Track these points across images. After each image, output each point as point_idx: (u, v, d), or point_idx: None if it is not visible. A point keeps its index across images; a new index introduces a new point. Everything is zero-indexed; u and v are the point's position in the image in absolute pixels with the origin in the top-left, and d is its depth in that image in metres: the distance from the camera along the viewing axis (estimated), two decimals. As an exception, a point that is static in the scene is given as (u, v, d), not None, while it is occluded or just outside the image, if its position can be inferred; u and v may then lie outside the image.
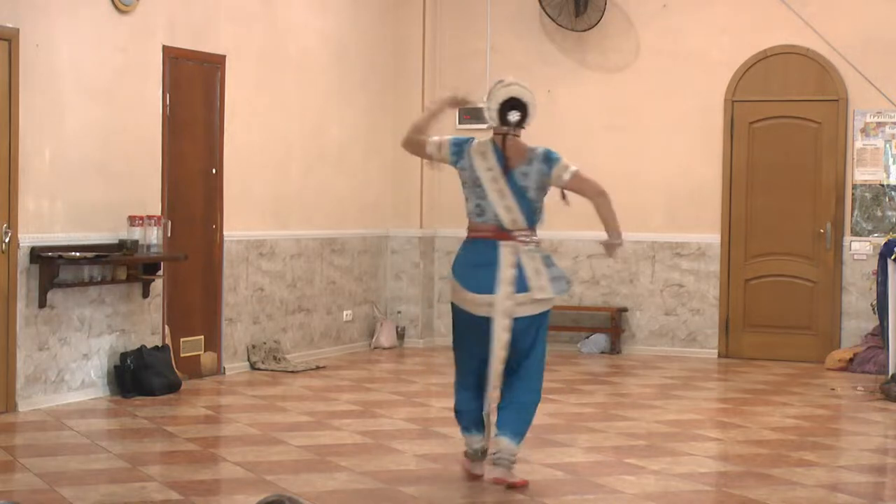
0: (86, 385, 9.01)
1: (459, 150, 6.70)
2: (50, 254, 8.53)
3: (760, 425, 8.48)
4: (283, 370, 10.65)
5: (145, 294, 9.47)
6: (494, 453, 6.57)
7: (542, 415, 8.65)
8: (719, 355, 11.98)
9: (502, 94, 6.62)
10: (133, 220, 9.17)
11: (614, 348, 12.14)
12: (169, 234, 9.68)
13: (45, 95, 8.65)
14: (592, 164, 12.51)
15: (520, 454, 6.64)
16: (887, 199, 11.48)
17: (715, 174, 11.98)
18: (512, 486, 6.53)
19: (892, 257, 9.88)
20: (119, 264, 9.08)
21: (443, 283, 12.81)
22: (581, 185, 6.66)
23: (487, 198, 6.58)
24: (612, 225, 6.70)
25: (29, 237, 8.52)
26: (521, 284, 6.53)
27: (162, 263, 9.49)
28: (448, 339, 12.81)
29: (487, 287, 6.52)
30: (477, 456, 6.74)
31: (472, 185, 6.64)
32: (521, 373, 6.61)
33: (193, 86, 10.06)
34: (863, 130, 11.54)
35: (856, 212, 11.57)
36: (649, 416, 8.74)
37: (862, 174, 11.56)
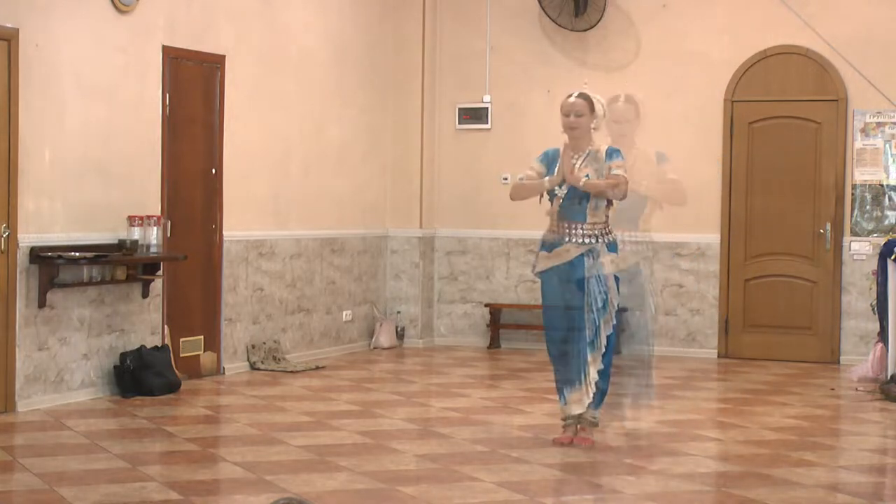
0: (85, 385, 9.01)
1: None
2: (49, 254, 8.53)
3: (760, 425, 8.48)
4: (282, 370, 10.65)
5: (145, 294, 9.46)
6: None
7: (542, 415, 8.67)
8: (719, 355, 11.97)
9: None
10: (133, 220, 9.16)
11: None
12: (168, 234, 9.68)
13: (45, 95, 8.65)
14: (592, 164, 12.66)
15: (519, 454, 6.63)
16: (887, 199, 11.48)
17: (714, 174, 11.97)
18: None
19: (892, 257, 9.88)
20: (118, 264, 9.08)
21: (442, 282, 12.81)
22: None
23: None
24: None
25: (29, 237, 8.51)
26: None
27: (161, 263, 9.48)
28: (446, 340, 12.90)
29: None
30: None
31: None
32: None
33: (193, 86, 10.05)
34: (862, 130, 11.53)
35: (855, 212, 11.57)
36: (649, 416, 8.73)
37: (862, 174, 11.55)
